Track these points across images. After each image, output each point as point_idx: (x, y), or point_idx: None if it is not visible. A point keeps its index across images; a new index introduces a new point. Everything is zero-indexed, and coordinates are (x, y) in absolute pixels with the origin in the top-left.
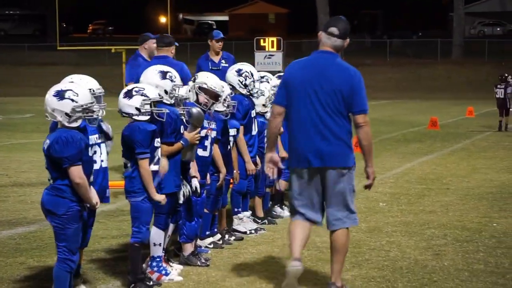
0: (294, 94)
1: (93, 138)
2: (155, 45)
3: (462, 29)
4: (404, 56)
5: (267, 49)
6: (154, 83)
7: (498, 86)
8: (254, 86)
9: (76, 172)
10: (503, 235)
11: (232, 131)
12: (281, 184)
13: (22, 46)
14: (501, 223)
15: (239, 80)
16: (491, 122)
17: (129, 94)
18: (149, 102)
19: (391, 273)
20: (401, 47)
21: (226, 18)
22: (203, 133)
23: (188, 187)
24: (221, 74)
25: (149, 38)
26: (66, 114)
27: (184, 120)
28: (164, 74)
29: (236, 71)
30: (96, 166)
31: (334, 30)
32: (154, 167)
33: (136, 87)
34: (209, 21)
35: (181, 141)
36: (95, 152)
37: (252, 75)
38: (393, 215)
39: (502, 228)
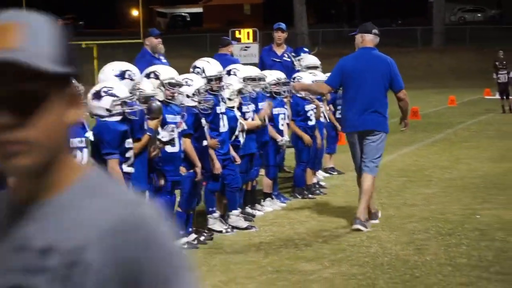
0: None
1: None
2: (157, 40)
3: (443, 16)
4: (383, 45)
5: (242, 41)
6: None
7: (500, 71)
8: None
9: None
10: (487, 227)
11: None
12: None
13: None
14: (485, 215)
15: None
16: (473, 111)
17: (97, 95)
18: (120, 102)
19: (372, 270)
20: (380, 35)
21: (200, 10)
22: (169, 129)
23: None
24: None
25: (150, 35)
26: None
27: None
28: (122, 75)
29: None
30: None
31: (377, 31)
32: (127, 169)
33: (105, 86)
34: (183, 13)
35: (147, 133)
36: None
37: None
38: None
39: (485, 220)
